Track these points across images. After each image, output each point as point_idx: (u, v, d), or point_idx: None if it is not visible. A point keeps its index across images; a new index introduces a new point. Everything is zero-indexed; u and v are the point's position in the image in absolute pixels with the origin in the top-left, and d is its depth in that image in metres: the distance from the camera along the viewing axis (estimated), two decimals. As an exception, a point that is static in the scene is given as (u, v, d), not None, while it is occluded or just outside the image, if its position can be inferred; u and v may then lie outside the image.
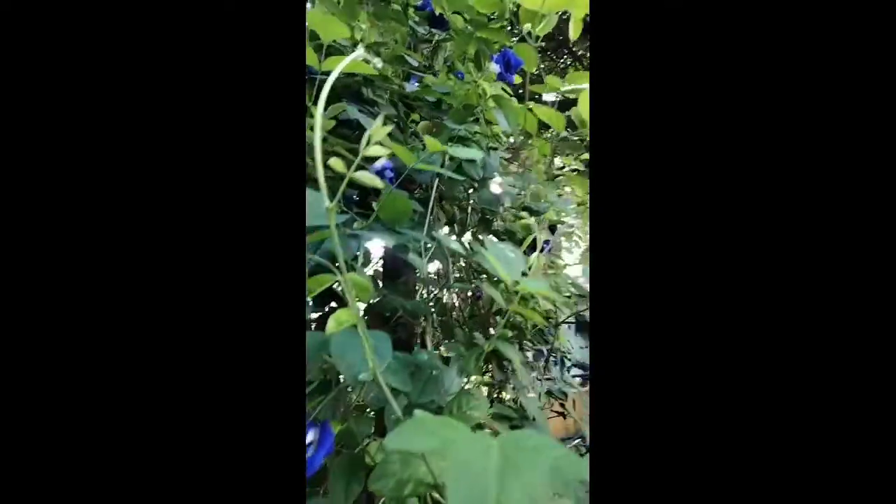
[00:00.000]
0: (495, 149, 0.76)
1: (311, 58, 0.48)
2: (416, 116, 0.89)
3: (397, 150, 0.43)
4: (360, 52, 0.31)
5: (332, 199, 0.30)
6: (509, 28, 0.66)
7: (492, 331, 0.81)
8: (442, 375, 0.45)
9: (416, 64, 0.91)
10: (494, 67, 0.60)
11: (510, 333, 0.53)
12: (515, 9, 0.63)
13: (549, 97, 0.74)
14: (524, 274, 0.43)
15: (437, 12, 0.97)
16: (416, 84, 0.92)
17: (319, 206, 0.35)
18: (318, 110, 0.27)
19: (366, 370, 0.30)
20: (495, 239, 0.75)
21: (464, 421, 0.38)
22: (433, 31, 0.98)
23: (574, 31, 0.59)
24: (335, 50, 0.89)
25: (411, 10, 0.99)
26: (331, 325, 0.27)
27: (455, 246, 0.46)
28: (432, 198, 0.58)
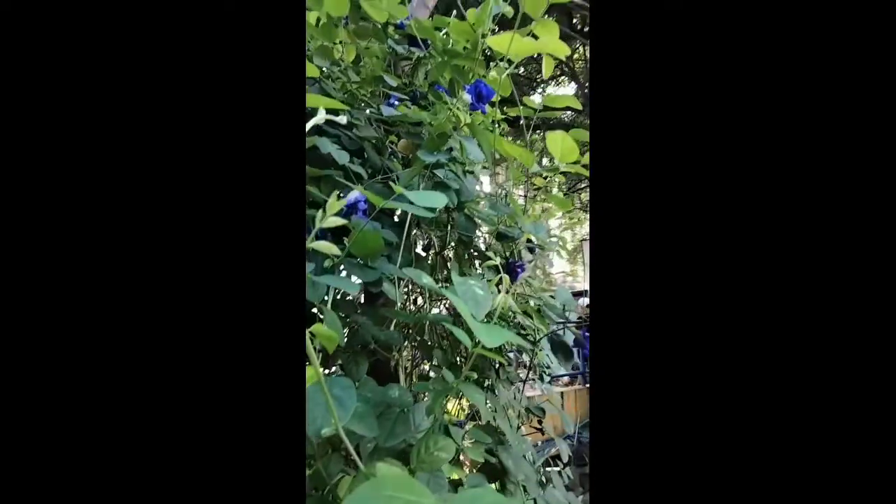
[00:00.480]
0: (472, 172, 0.77)
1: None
2: (394, 138, 0.89)
3: (367, 193, 0.44)
4: (321, 115, 0.31)
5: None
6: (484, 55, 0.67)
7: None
8: (412, 412, 0.46)
9: (394, 84, 0.91)
10: (466, 97, 0.61)
11: (475, 375, 0.54)
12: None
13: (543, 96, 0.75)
14: (491, 315, 0.44)
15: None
16: (396, 102, 0.92)
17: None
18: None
19: (328, 425, 0.31)
20: (477, 264, 0.75)
21: (431, 464, 0.39)
22: (412, 49, 0.99)
23: (546, 70, 0.60)
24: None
25: (391, 29, 1.00)
26: (291, 387, 0.28)
27: (426, 281, 0.47)
28: (406, 226, 0.59)
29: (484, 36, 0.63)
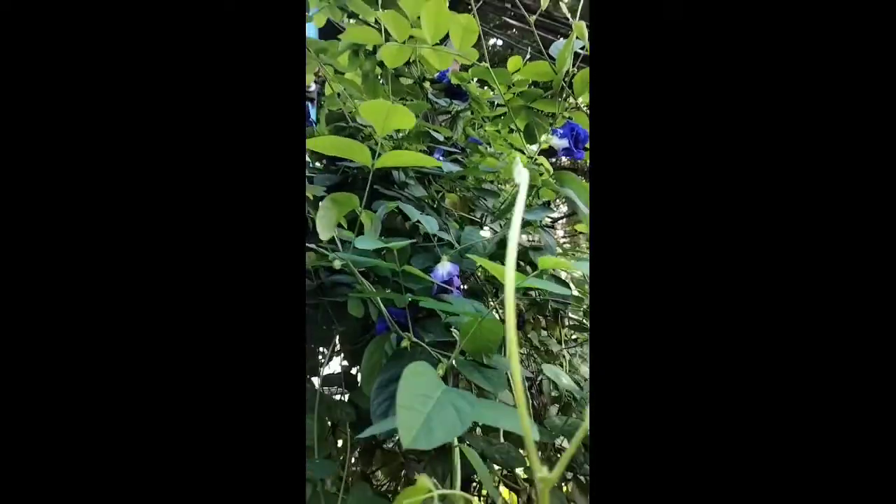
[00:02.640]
0: (552, 226, 0.67)
1: (361, 155, 0.39)
2: (452, 196, 0.80)
3: (495, 269, 0.32)
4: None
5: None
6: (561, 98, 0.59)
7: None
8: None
9: (441, 138, 0.84)
10: (560, 142, 0.52)
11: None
12: (570, 79, 0.56)
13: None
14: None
15: (455, 83, 0.93)
16: (441, 157, 0.85)
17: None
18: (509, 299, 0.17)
19: None
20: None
21: None
22: (454, 102, 0.93)
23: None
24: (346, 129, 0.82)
25: (427, 84, 0.95)
26: None
27: (566, 381, 0.34)
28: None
29: (567, 75, 0.55)
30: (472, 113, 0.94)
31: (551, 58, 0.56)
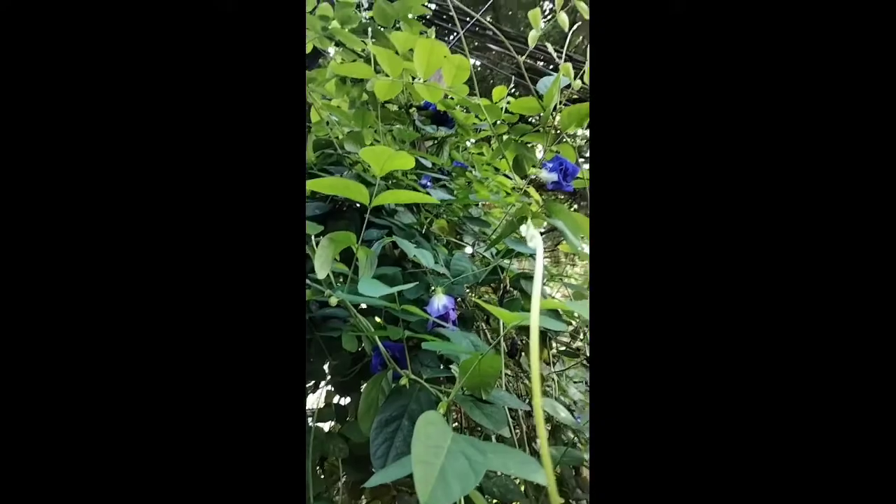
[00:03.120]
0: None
1: (359, 193, 0.39)
2: (441, 221, 0.81)
3: (503, 314, 0.33)
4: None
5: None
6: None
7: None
8: None
9: (430, 165, 0.85)
10: (550, 176, 0.53)
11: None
12: (557, 113, 0.58)
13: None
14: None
15: (441, 111, 0.95)
16: (429, 184, 0.86)
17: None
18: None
19: None
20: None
21: None
22: (440, 128, 0.95)
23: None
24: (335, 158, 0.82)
25: (413, 110, 0.96)
26: None
27: (564, 415, 0.35)
28: (503, 347, 0.47)
29: (555, 109, 0.57)
30: (457, 136, 0.96)
31: (536, 91, 0.58)
